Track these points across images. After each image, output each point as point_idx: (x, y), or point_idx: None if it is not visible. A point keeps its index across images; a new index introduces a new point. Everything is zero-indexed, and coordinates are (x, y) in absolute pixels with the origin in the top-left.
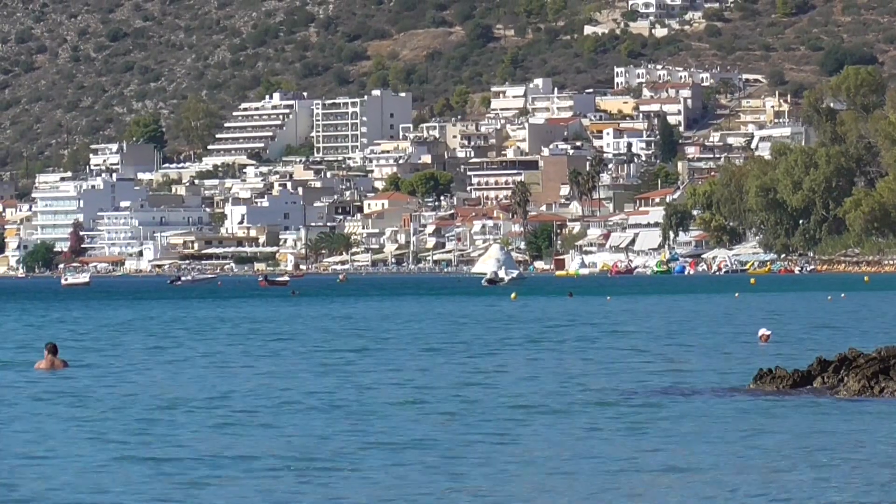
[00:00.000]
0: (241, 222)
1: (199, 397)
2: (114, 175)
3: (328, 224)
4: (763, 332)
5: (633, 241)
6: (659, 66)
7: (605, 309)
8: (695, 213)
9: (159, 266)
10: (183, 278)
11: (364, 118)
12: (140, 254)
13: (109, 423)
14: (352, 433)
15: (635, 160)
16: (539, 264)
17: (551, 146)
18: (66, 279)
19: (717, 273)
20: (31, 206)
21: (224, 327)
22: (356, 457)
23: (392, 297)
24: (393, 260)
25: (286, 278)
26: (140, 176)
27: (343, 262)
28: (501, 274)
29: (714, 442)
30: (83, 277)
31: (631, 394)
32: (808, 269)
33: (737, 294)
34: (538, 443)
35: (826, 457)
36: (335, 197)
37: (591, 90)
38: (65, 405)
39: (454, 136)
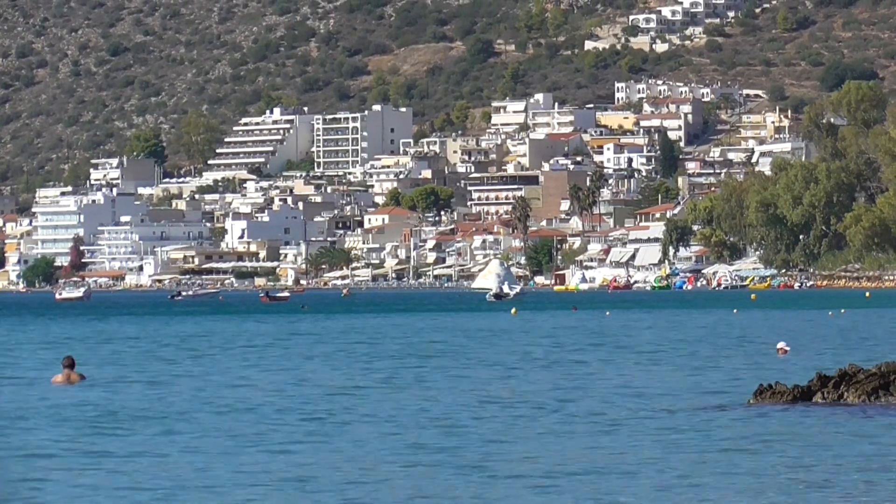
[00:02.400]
0: (242, 237)
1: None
2: (114, 190)
3: (328, 239)
4: (781, 345)
5: (633, 257)
6: (659, 82)
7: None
8: (695, 228)
9: (159, 281)
10: (184, 293)
11: (364, 133)
12: (140, 268)
13: None
14: None
15: (636, 175)
16: (539, 279)
17: (552, 161)
18: (60, 294)
19: (717, 288)
20: (31, 221)
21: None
22: None
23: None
24: (393, 275)
25: (286, 294)
26: (140, 191)
27: (343, 277)
28: (506, 289)
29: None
30: (77, 292)
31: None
32: (808, 284)
33: (735, 310)
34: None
35: None
36: (335, 212)
37: (591, 105)
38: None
39: (455, 151)
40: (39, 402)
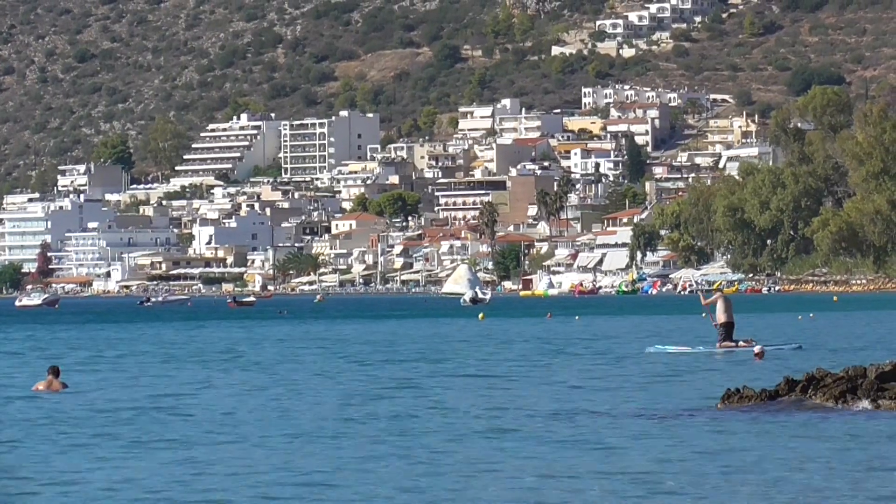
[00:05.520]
0: (209, 243)
1: None
2: (81, 196)
3: (296, 245)
4: (757, 348)
5: (600, 262)
6: (626, 87)
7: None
8: (662, 233)
9: (127, 287)
10: (153, 299)
11: (332, 139)
12: (108, 275)
13: None
14: None
15: (603, 180)
16: (507, 284)
17: (519, 166)
18: (20, 301)
19: (683, 293)
20: None
21: None
22: None
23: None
24: (361, 280)
25: (252, 299)
26: (108, 197)
27: (311, 283)
28: (480, 294)
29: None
30: (36, 299)
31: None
32: (776, 289)
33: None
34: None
35: None
36: (303, 217)
37: (558, 110)
38: None
39: (422, 157)
40: None
